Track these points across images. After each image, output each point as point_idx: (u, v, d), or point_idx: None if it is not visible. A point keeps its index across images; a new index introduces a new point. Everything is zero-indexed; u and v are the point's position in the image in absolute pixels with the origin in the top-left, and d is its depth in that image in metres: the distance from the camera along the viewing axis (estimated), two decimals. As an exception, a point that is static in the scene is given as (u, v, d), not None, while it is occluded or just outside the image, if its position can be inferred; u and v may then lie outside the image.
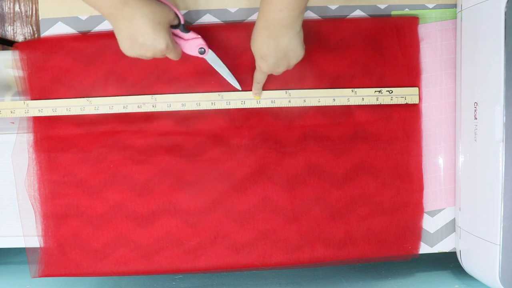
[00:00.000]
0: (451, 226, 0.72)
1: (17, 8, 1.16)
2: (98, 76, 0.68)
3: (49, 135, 0.69)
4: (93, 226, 0.69)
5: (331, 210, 0.70)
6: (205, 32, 0.68)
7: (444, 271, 0.76)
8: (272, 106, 0.69)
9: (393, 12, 0.70)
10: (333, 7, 0.70)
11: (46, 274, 0.70)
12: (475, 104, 0.64)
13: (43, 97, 0.69)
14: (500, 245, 0.60)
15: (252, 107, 0.68)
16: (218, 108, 0.68)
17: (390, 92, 0.69)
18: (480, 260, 0.64)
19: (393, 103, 0.69)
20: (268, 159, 0.69)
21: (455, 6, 0.70)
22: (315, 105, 0.69)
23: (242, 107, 0.68)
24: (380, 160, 0.70)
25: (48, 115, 0.68)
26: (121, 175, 0.69)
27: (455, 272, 0.75)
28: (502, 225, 0.59)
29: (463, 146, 0.68)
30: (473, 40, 0.64)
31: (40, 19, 0.69)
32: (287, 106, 0.69)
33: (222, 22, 0.69)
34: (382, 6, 0.70)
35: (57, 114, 0.68)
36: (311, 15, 0.70)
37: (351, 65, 0.69)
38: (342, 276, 0.75)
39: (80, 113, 0.68)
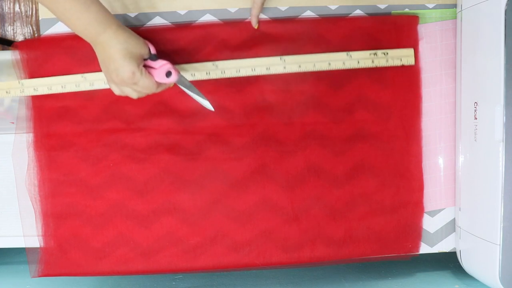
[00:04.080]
0: (451, 226, 0.72)
1: (17, 8, 1.16)
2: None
3: (49, 134, 0.69)
4: (93, 225, 0.69)
5: (331, 209, 0.70)
6: (204, 30, 0.68)
7: (444, 271, 0.76)
8: (267, 73, 0.68)
9: (393, 12, 0.70)
10: (333, 7, 0.70)
11: (46, 273, 0.70)
12: (475, 104, 0.64)
13: (44, 97, 0.68)
14: (500, 245, 0.60)
15: (247, 75, 0.67)
16: (213, 77, 0.67)
17: (386, 54, 0.68)
18: (480, 260, 0.64)
19: (389, 65, 0.68)
20: (268, 158, 0.69)
21: (455, 6, 0.70)
22: (311, 70, 0.68)
23: (237, 76, 0.67)
24: (380, 158, 0.70)
25: (44, 93, 0.68)
26: (121, 174, 0.69)
27: (455, 272, 0.75)
28: (502, 225, 0.59)
29: (463, 146, 0.68)
30: (473, 40, 0.64)
31: (40, 19, 0.69)
32: (282, 72, 0.68)
33: (221, 21, 0.69)
34: (382, 6, 0.70)
35: (53, 92, 0.67)
36: (311, 14, 0.70)
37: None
38: (342, 276, 0.75)
39: (75, 90, 0.67)
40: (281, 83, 0.69)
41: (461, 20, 0.67)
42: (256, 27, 0.68)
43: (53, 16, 0.69)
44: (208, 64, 0.67)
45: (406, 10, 0.70)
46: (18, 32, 1.16)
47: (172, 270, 0.70)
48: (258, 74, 0.68)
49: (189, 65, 0.67)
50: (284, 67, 0.67)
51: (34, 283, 0.72)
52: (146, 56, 0.60)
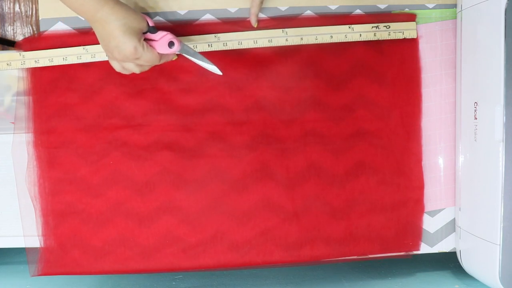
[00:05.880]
0: (451, 226, 0.72)
1: (17, 8, 1.16)
2: (101, 73, 0.68)
3: (48, 130, 0.69)
4: (93, 224, 0.69)
5: (331, 207, 0.70)
6: (204, 29, 0.68)
7: (444, 271, 0.76)
8: (269, 45, 0.68)
9: (393, 12, 0.70)
10: (333, 7, 0.70)
11: (45, 272, 0.69)
12: (475, 104, 0.64)
13: (44, 97, 0.69)
14: (500, 245, 0.60)
15: (249, 47, 0.68)
16: (215, 49, 0.67)
17: (388, 27, 0.68)
18: (480, 260, 0.64)
19: (391, 38, 0.69)
20: (268, 156, 0.69)
21: (455, 6, 0.70)
22: (312, 42, 0.68)
23: (239, 48, 0.67)
24: (380, 157, 0.70)
25: (45, 65, 0.67)
26: (121, 173, 0.69)
27: (455, 272, 0.75)
28: (502, 225, 0.59)
29: (463, 146, 0.68)
30: (473, 40, 0.64)
31: (40, 19, 0.69)
32: (284, 44, 0.68)
33: (221, 21, 0.69)
34: (382, 6, 0.70)
35: (54, 64, 0.67)
36: (311, 14, 0.70)
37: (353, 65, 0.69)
38: (342, 276, 0.75)
39: (77, 62, 0.67)
40: (281, 81, 0.69)
41: (461, 20, 0.67)
42: (255, 26, 0.68)
43: (53, 16, 0.69)
44: (210, 36, 0.67)
45: (406, 10, 0.70)
46: (18, 32, 1.16)
47: (172, 269, 0.70)
48: (260, 46, 0.67)
49: (190, 37, 0.67)
50: (286, 40, 0.67)
51: (34, 283, 0.72)
52: (145, 30, 0.59)
